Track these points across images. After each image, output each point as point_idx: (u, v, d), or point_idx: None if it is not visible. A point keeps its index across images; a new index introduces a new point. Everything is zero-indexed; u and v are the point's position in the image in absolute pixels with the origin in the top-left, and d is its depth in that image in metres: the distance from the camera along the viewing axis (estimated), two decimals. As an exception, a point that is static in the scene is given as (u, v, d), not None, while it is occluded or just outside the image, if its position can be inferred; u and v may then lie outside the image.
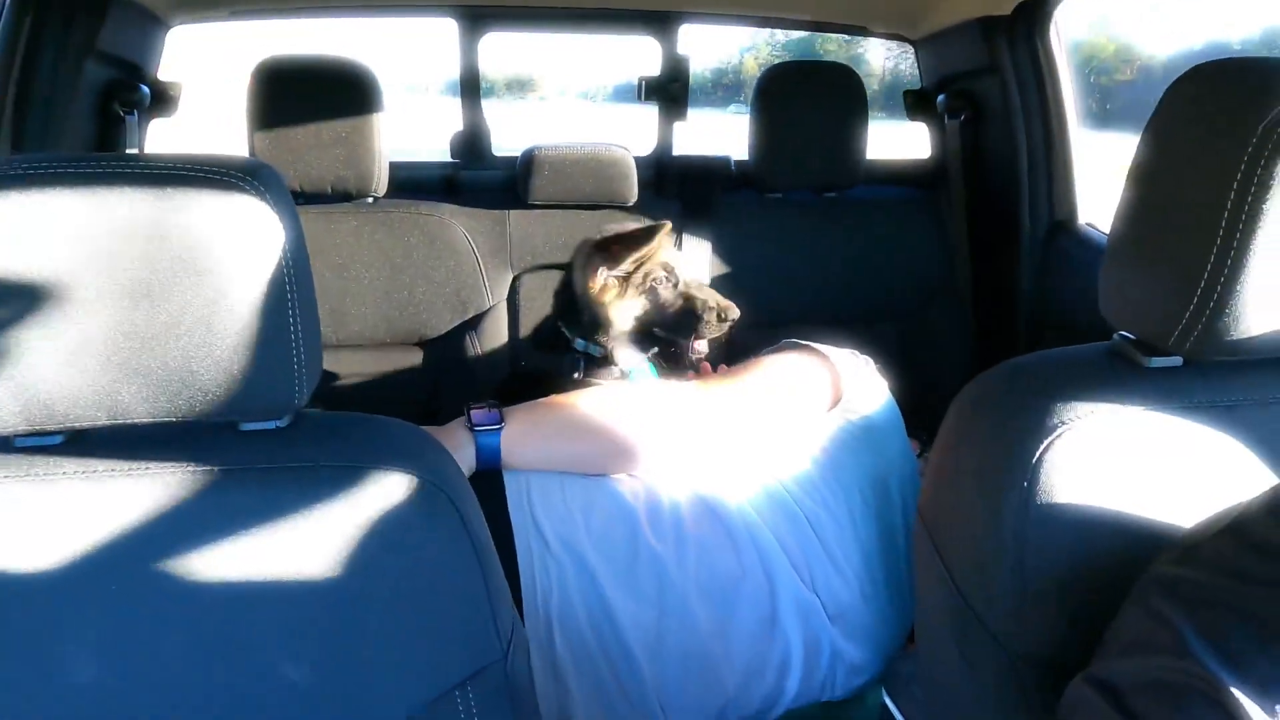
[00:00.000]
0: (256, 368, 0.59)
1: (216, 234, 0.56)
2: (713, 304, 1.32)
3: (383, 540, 0.61)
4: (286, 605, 0.60)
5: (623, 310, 1.31)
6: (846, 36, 2.12)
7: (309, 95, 1.59)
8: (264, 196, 0.57)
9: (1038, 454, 0.66)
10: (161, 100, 1.74)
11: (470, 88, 1.89)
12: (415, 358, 1.72)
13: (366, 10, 1.94)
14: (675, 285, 1.32)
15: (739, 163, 1.97)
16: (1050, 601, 0.65)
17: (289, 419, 0.64)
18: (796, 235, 1.87)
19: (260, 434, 0.64)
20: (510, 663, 0.66)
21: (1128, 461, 0.66)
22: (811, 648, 0.94)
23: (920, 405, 1.14)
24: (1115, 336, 0.73)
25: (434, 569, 0.63)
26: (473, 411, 0.94)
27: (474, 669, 0.64)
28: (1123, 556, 0.64)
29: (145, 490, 0.59)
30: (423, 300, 1.70)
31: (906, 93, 2.06)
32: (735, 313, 1.32)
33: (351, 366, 1.70)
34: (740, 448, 1.01)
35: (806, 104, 1.79)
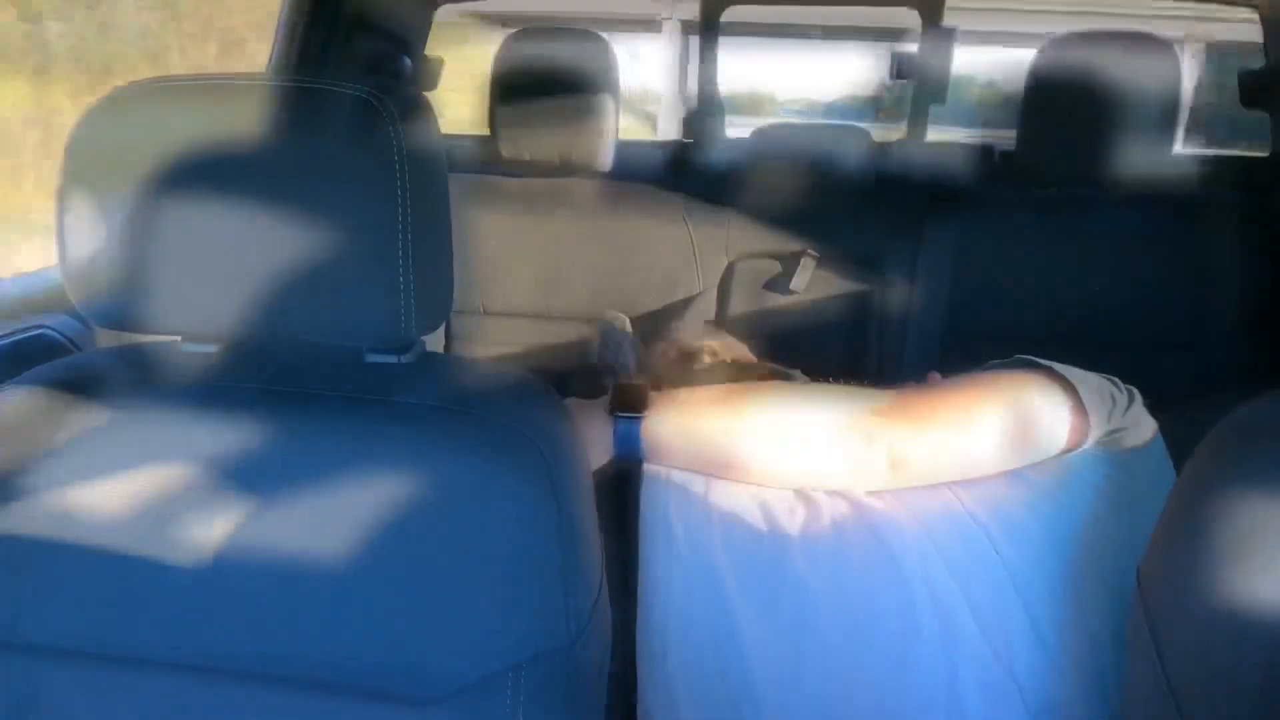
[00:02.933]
0: (370, 297, 0.59)
1: (338, 151, 0.57)
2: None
3: (468, 490, 0.59)
4: (367, 541, 0.59)
5: None
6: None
7: (549, 69, 1.61)
8: (391, 121, 0.57)
9: None
10: (423, 73, 1.85)
11: (708, 66, 1.82)
12: None
13: None
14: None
15: (1004, 152, 1.71)
16: None
17: (412, 357, 0.64)
18: (1069, 238, 1.56)
19: (382, 368, 0.64)
20: (577, 655, 0.60)
21: None
22: None
23: None
24: None
25: (512, 532, 0.59)
26: (620, 390, 0.84)
27: (533, 652, 0.58)
28: None
29: (272, 407, 0.62)
30: (632, 278, 1.66)
31: (1243, 73, 1.64)
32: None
33: (556, 336, 1.71)
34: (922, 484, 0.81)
35: (1099, 79, 1.48)
